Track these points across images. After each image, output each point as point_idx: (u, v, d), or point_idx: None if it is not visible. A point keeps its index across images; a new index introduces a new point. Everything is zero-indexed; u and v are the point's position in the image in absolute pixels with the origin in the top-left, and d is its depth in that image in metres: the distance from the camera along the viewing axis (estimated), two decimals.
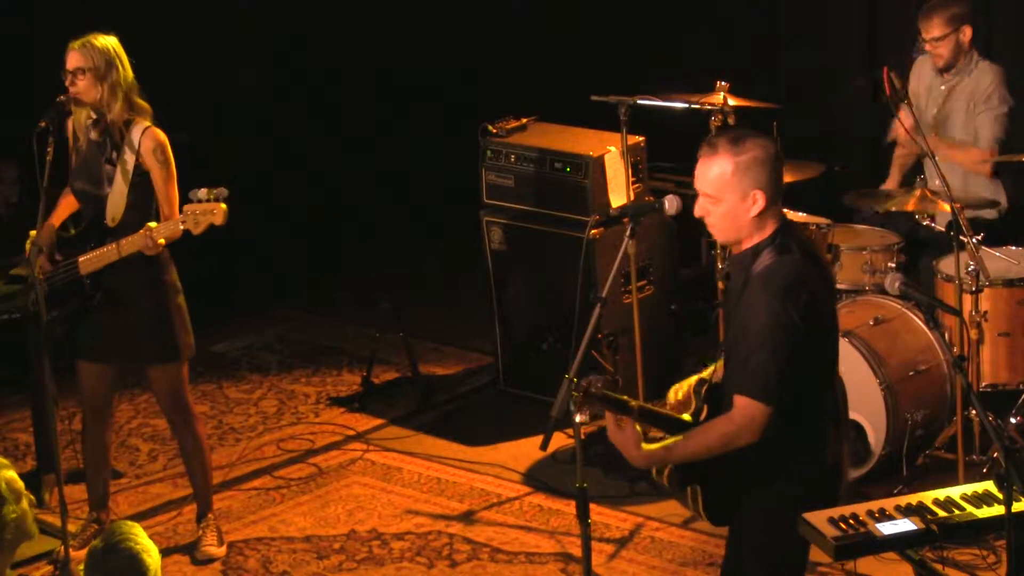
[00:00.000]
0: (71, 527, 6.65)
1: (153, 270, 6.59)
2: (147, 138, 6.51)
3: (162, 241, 6.40)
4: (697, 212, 4.99)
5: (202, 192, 6.37)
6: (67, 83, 6.47)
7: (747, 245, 4.95)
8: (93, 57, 6.45)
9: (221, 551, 6.85)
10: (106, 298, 6.57)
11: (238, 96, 9.73)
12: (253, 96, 9.83)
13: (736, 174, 4.85)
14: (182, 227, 6.37)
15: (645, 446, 4.91)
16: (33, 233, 6.58)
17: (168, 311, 6.64)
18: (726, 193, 4.88)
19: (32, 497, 4.68)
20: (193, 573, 6.75)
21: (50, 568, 6.70)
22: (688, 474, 5.03)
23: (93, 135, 6.57)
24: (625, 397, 4.97)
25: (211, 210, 6.36)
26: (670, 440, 4.93)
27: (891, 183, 7.93)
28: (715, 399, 5.03)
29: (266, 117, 9.79)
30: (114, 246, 6.48)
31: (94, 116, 6.54)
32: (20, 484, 4.57)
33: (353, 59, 10.08)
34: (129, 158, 6.49)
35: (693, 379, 5.15)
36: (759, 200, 4.87)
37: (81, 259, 6.55)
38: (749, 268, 4.91)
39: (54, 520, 6.57)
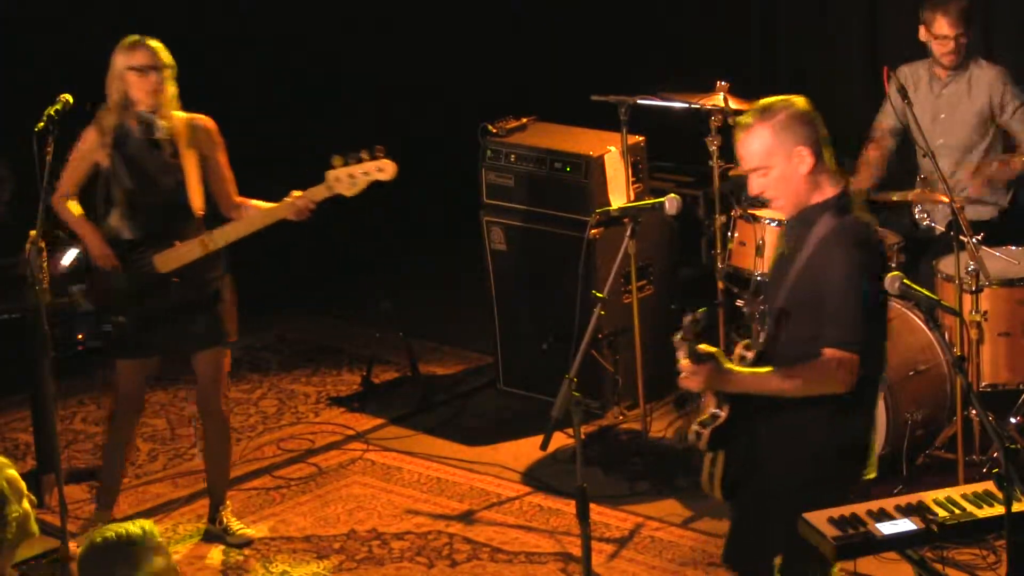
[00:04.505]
0: (71, 527, 6.65)
1: (224, 256, 6.68)
2: (203, 125, 6.63)
3: (313, 205, 6.48)
4: (754, 190, 4.99)
5: (363, 154, 6.45)
6: (140, 78, 6.44)
7: (806, 207, 4.95)
8: (164, 57, 6.50)
9: (254, 532, 6.87)
10: (183, 291, 6.60)
11: (238, 95, 9.72)
12: (253, 95, 9.82)
13: (776, 136, 4.88)
14: (330, 192, 6.46)
15: (730, 365, 4.87)
16: (33, 233, 6.55)
17: (231, 295, 6.74)
18: (772, 158, 4.90)
19: (33, 497, 4.68)
20: (193, 573, 6.75)
21: (50, 568, 6.70)
22: (725, 436, 4.98)
23: (146, 135, 6.55)
24: (704, 347, 4.86)
25: (378, 168, 6.47)
26: (760, 369, 4.88)
27: (864, 182, 7.83)
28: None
29: (266, 116, 9.78)
30: (235, 226, 6.56)
31: (142, 118, 6.53)
32: (22, 484, 4.57)
33: (353, 58, 10.07)
34: (192, 149, 6.56)
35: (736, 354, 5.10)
36: (805, 156, 4.88)
37: (158, 258, 6.55)
38: (810, 229, 4.91)
39: (54, 520, 6.57)
